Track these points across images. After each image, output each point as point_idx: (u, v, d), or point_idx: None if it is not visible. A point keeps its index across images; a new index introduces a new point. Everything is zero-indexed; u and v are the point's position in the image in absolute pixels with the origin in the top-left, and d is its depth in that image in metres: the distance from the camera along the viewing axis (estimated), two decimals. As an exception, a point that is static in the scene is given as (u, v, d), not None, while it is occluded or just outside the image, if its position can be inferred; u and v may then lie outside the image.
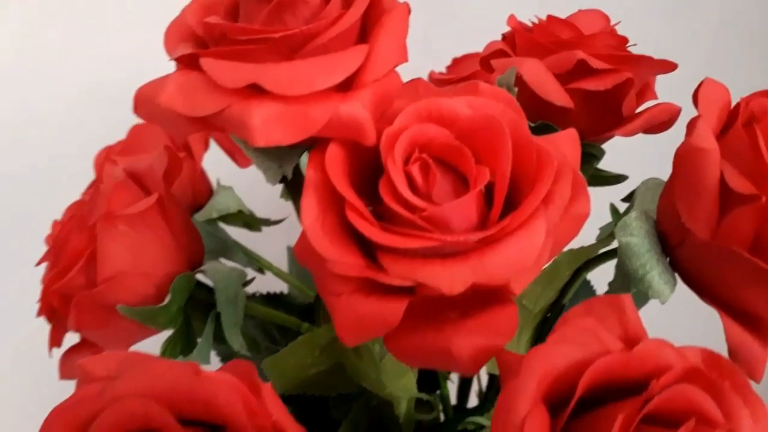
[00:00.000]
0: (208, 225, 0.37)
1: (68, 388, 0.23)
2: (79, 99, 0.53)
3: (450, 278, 0.20)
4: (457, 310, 0.21)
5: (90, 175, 0.38)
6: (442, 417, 0.36)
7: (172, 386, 0.19)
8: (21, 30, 0.51)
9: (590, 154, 0.32)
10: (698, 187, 0.24)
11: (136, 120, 0.35)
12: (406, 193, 0.20)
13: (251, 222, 0.39)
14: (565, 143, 0.22)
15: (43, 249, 0.37)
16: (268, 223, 0.39)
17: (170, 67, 0.24)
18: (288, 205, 0.41)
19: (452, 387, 0.42)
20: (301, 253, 0.22)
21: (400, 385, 0.33)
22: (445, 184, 0.21)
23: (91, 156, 0.40)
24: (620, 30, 0.32)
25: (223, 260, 0.35)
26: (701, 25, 0.58)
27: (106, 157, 0.34)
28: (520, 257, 0.20)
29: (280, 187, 0.39)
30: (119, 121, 0.38)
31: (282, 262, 0.42)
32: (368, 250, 0.22)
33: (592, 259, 0.31)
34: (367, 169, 0.23)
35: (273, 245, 0.44)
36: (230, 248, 0.36)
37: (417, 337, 0.21)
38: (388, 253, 0.21)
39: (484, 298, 0.21)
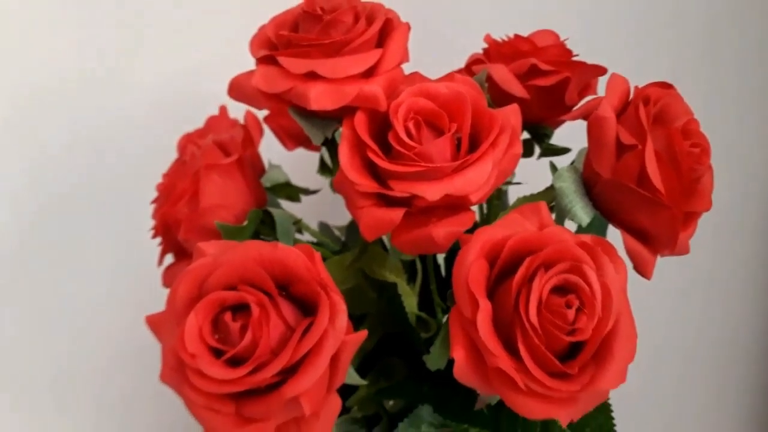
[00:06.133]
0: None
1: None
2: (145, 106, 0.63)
3: (432, 190, 0.32)
4: (436, 216, 0.33)
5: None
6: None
7: (260, 253, 0.31)
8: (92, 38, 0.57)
9: (544, 134, 0.44)
10: (602, 142, 0.35)
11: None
12: (405, 138, 0.32)
13: (293, 194, 0.51)
14: (510, 112, 0.34)
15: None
16: (307, 192, 0.51)
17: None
18: (319, 183, 0.53)
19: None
20: (338, 183, 0.34)
21: (406, 304, 0.44)
22: (429, 134, 0.33)
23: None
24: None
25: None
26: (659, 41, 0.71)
27: (188, 140, 0.47)
28: (476, 178, 0.32)
29: (316, 165, 0.51)
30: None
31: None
32: (380, 180, 0.34)
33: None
34: (380, 130, 0.35)
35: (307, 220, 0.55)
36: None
37: (411, 233, 0.33)
38: (393, 177, 0.33)
39: (453, 208, 0.33)
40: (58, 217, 0.58)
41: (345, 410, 0.48)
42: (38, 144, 0.57)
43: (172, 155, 0.47)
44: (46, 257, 0.57)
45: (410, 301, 0.44)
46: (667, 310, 0.85)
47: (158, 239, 0.42)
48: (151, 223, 0.44)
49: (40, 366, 0.58)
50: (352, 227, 0.53)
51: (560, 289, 0.28)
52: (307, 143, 0.50)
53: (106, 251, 0.59)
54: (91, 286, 0.59)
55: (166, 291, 0.33)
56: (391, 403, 0.49)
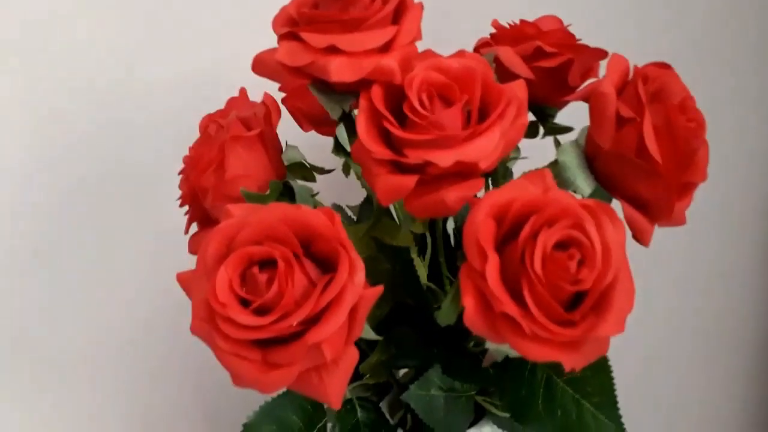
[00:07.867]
0: (280, 170, 0.51)
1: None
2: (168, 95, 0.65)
3: (444, 157, 0.34)
4: (448, 182, 0.35)
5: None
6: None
7: (285, 213, 0.33)
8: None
9: (548, 114, 0.47)
10: (603, 116, 0.38)
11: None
12: (419, 108, 0.35)
13: (308, 174, 0.54)
14: (516, 86, 0.37)
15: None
16: (322, 171, 0.53)
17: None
18: (332, 163, 0.56)
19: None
20: (356, 152, 0.37)
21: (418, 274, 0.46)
22: (441, 105, 0.35)
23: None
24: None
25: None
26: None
27: (209, 119, 0.49)
28: (485, 146, 0.34)
29: (328, 151, 0.54)
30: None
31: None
32: (395, 149, 0.36)
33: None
34: (395, 103, 0.37)
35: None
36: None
37: (424, 198, 0.35)
38: (408, 145, 0.35)
39: (463, 175, 0.35)
40: (81, 200, 0.60)
41: (357, 377, 0.50)
42: (65, 130, 0.59)
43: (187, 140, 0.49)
44: (63, 244, 0.59)
45: (421, 272, 0.47)
46: (666, 301, 0.87)
47: (169, 225, 0.44)
48: (168, 214, 0.46)
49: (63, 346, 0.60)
50: (365, 207, 0.55)
51: (563, 245, 0.31)
52: (321, 126, 0.52)
53: (131, 235, 0.61)
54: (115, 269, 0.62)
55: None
56: (401, 374, 0.51)
